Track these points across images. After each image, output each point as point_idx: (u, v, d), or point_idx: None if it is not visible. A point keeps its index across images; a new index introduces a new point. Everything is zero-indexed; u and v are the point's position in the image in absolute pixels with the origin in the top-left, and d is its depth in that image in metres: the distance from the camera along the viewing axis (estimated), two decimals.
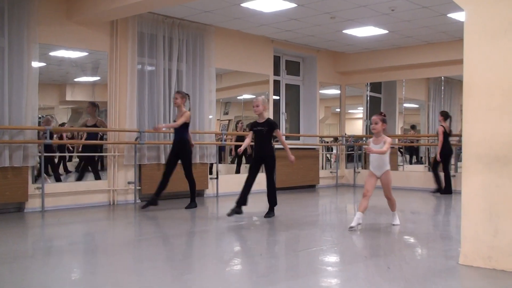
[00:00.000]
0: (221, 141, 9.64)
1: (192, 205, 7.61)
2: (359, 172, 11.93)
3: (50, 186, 7.52)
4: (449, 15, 8.77)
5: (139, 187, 8.37)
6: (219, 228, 6.12)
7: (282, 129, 11.46)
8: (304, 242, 5.08)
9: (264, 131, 6.46)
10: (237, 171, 10.51)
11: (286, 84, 11.68)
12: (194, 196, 7.65)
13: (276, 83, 11.28)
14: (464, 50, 3.92)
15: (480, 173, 3.65)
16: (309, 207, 8.38)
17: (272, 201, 6.70)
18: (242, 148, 6.47)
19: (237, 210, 6.48)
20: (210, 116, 9.38)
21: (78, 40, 7.88)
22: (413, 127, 12.18)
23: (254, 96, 11.46)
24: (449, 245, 4.99)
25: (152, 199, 7.39)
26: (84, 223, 6.47)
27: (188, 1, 7.11)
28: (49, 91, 8.32)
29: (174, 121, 7.56)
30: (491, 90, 3.68)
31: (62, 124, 8.35)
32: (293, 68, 11.92)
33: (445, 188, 9.83)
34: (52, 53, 7.96)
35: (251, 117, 11.36)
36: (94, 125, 8.04)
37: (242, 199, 6.55)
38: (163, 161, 8.49)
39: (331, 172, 12.20)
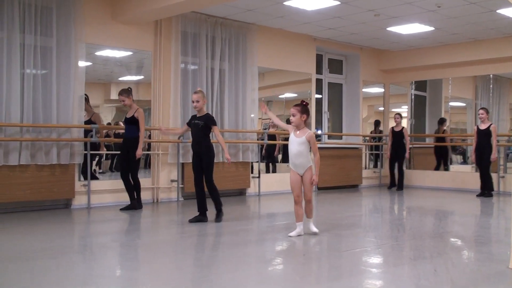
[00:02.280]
0: (262, 139, 9.63)
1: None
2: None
3: (96, 183, 7.68)
4: (498, 11, 8.50)
5: (182, 185, 8.45)
6: (261, 227, 6.10)
7: (325, 128, 11.36)
8: (347, 242, 5.01)
9: (200, 125, 6.08)
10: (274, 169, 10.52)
11: (328, 82, 11.57)
12: (139, 197, 7.22)
13: (319, 82, 11.19)
14: None
15: None
16: (352, 207, 8.27)
17: (217, 202, 6.22)
18: (164, 129, 6.89)
19: (200, 218, 6.19)
20: (252, 115, 9.38)
21: (122, 40, 8.01)
22: (441, 121, 11.81)
23: (296, 95, 11.45)
24: (498, 249, 4.82)
25: (132, 204, 7.23)
26: (128, 220, 6.57)
27: (231, 0, 7.12)
28: (94, 90, 8.51)
29: (126, 117, 7.17)
30: None
31: (109, 123, 8.51)
32: (336, 66, 11.80)
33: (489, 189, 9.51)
34: (97, 53, 8.12)
35: None
36: (89, 121, 7.80)
37: (200, 206, 6.24)
38: None
39: (374, 171, 12.02)
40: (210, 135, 6.30)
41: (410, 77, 12.22)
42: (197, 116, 6.20)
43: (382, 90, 12.50)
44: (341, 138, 11.84)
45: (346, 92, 11.93)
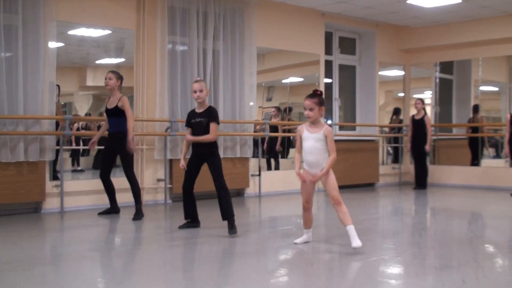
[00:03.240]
0: (263, 131, 9.63)
1: (139, 215, 6.87)
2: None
3: (70, 184, 7.68)
4: None
5: (170, 185, 8.46)
6: (262, 233, 6.12)
7: (336, 117, 11.36)
8: (362, 250, 5.02)
9: (204, 123, 5.86)
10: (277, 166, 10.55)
11: (339, 65, 11.57)
12: (140, 203, 6.98)
13: (328, 64, 11.18)
14: None
15: None
16: (367, 209, 8.29)
17: (230, 212, 5.90)
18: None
19: (193, 225, 6.17)
20: (251, 103, 9.38)
21: (100, 17, 7.99)
22: (476, 108, 11.80)
23: (303, 79, 11.44)
24: None
25: (111, 207, 7.21)
26: (108, 226, 6.58)
27: None
28: (67, 75, 8.50)
29: (108, 108, 6.95)
30: None
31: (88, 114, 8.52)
32: (348, 46, 11.79)
33: None
34: (71, 32, 8.11)
35: (298, 103, 11.33)
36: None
37: (191, 213, 6.21)
38: None
39: (393, 168, 12.03)
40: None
41: (434, 58, 12.21)
42: (197, 112, 5.93)
43: (402, 73, 12.49)
44: (354, 129, 11.84)
45: (360, 76, 11.92)
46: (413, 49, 12.18)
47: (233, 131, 9.12)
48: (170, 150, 8.44)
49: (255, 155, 9.52)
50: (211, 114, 5.89)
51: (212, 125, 5.87)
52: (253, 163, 9.55)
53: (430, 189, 10.70)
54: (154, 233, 6.18)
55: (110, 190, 7.18)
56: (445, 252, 5.03)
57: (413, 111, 11.38)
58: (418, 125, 10.70)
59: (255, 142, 9.55)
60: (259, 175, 9.47)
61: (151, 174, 8.39)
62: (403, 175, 11.99)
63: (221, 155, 8.76)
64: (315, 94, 5.03)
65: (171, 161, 8.48)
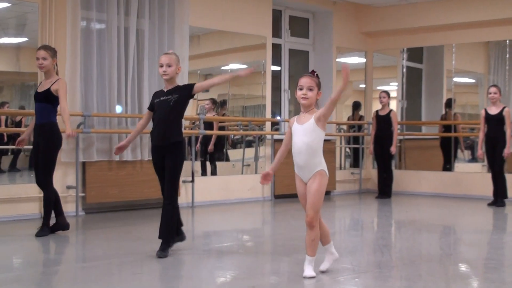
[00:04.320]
0: (198, 128, 9.62)
1: (44, 231, 6.59)
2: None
3: None
4: None
5: (83, 194, 8.36)
6: (195, 251, 6.11)
7: (285, 113, 11.44)
8: (315, 270, 5.07)
9: (171, 101, 5.58)
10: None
11: (290, 49, 11.66)
12: (49, 216, 6.67)
13: (276, 49, 11.26)
14: None
15: None
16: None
17: (170, 229, 5.74)
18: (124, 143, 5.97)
19: (180, 238, 6.01)
20: None
21: None
22: (449, 103, 12.04)
23: (245, 66, 11.47)
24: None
25: (60, 223, 6.84)
26: (5, 244, 6.45)
27: None
28: None
29: (37, 92, 6.66)
30: None
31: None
32: (300, 27, 11.89)
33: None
34: None
35: (239, 95, 11.36)
36: None
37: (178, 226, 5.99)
38: (117, 157, 8.48)
39: (352, 173, 12.20)
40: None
41: (400, 43, 12.42)
42: (166, 90, 5.68)
43: (363, 60, 12.68)
44: None
45: (314, 63, 12.04)
46: (376, 32, 12.36)
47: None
48: (83, 150, 8.33)
49: (187, 157, 9.50)
50: (181, 88, 5.67)
51: (197, 87, 5.66)
52: (184, 167, 9.51)
53: (395, 198, 10.90)
54: (62, 250, 6.09)
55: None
56: (410, 272, 5.14)
57: (376, 106, 11.57)
58: (383, 122, 10.86)
59: (187, 142, 9.53)
60: (192, 181, 9.45)
61: (59, 180, 8.23)
62: (364, 181, 12.16)
63: (145, 156, 8.77)
64: (312, 73, 4.85)
65: (84, 164, 8.38)
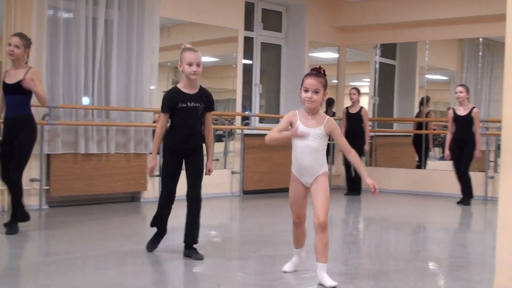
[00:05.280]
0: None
1: (13, 228, 6.45)
2: None
3: None
4: None
5: (47, 187, 8.31)
6: (163, 246, 6.11)
7: (255, 107, 11.46)
8: (280, 267, 5.11)
9: (200, 111, 5.41)
10: None
11: (262, 43, 11.67)
12: (18, 212, 6.54)
13: (248, 42, 11.26)
14: (507, 1, 3.97)
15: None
16: (288, 219, 8.41)
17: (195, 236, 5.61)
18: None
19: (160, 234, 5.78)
20: (152, 87, 9.33)
21: None
22: (424, 100, 12.14)
23: (218, 59, 11.46)
24: (480, 274, 5.08)
25: (19, 214, 6.66)
26: None
27: None
28: None
29: (8, 84, 6.47)
30: None
31: None
32: (273, 21, 11.91)
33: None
34: None
35: (212, 88, 11.34)
36: None
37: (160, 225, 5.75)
38: (82, 150, 8.44)
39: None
40: None
41: (373, 39, 12.49)
42: (188, 92, 5.36)
43: (336, 55, 12.74)
44: (278, 122, 11.97)
45: (287, 57, 12.07)
46: (349, 27, 12.42)
47: (127, 121, 9.03)
48: (48, 142, 8.28)
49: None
50: (210, 99, 5.47)
51: (210, 115, 5.51)
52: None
53: (365, 195, 10.97)
54: (24, 246, 6.06)
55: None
56: (377, 270, 5.19)
57: (348, 102, 11.61)
58: (354, 120, 10.89)
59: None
60: (159, 175, 9.41)
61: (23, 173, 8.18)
62: (334, 178, 12.23)
63: (112, 149, 8.74)
64: (319, 71, 4.62)
65: (48, 156, 8.32)
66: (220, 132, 10.85)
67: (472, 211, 9.27)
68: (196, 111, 5.36)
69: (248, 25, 11.22)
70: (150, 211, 8.54)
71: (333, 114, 12.54)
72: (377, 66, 12.63)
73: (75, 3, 8.47)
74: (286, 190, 11.29)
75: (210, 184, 9.86)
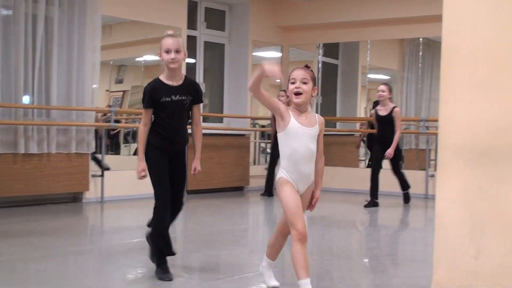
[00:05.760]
0: (109, 121, 9.53)
1: None
2: None
3: None
4: None
5: None
6: (104, 246, 6.08)
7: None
8: (226, 267, 5.14)
9: (187, 104, 4.83)
10: None
11: (205, 42, 11.67)
12: None
13: (191, 41, 11.26)
14: (443, 1, 4.07)
15: (459, 173, 3.81)
16: (233, 218, 8.46)
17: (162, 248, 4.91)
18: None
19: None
20: (95, 86, 9.26)
21: None
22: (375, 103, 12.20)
23: (160, 59, 11.40)
24: (419, 270, 5.18)
25: None
26: None
27: None
28: None
29: None
30: (476, 58, 3.84)
31: None
32: (216, 19, 11.92)
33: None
34: None
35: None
36: None
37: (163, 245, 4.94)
38: (22, 149, 8.32)
39: (266, 168, 12.31)
40: None
41: (317, 38, 12.60)
42: (172, 84, 4.78)
43: (279, 54, 12.81)
44: (221, 121, 12.00)
45: (230, 56, 12.09)
46: (292, 26, 12.50)
47: (68, 120, 8.94)
48: None
49: (97, 150, 9.42)
50: (198, 91, 4.91)
51: (198, 109, 4.99)
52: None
53: None
54: None
55: None
56: (319, 268, 5.27)
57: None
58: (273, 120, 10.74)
59: (99, 135, 9.45)
60: (102, 175, 9.36)
61: None
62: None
63: (52, 149, 8.63)
64: (307, 67, 4.21)
65: None
66: None
67: (412, 209, 9.44)
68: (181, 106, 4.79)
69: (191, 24, 11.22)
70: (92, 212, 8.51)
71: None
72: (320, 65, 12.76)
73: (14, 0, 8.35)
74: (229, 189, 11.33)
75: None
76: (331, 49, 12.88)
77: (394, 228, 8.03)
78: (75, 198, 9.19)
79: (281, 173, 4.14)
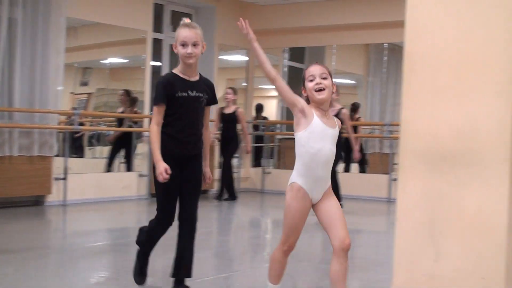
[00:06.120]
0: (72, 124, 9.45)
1: None
2: (269, 172, 12.12)
3: None
4: None
5: None
6: (67, 249, 6.03)
7: None
8: (161, 267, 5.12)
9: (204, 102, 4.35)
10: (108, 168, 10.39)
11: (171, 45, 11.61)
12: None
13: (157, 44, 11.23)
14: (406, 7, 4.12)
15: (420, 177, 3.84)
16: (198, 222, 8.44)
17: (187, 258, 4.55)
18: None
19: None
20: (59, 88, 9.18)
21: None
22: (355, 107, 12.17)
23: (128, 61, 11.37)
24: (380, 273, 5.24)
25: None
26: None
27: None
28: None
29: None
30: (438, 63, 3.88)
31: None
32: None
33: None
34: None
35: (120, 90, 11.26)
36: None
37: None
38: None
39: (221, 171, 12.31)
40: None
41: (283, 42, 12.66)
42: (189, 79, 4.31)
43: (245, 58, 12.83)
44: None
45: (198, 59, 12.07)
46: (259, 31, 12.33)
47: (30, 123, 8.85)
48: None
49: (59, 153, 9.35)
50: (213, 90, 4.47)
51: (209, 111, 4.49)
52: (57, 164, 9.34)
53: (272, 197, 11.07)
54: None
55: None
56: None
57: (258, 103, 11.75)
58: (229, 120, 10.37)
59: (63, 138, 9.38)
60: (65, 179, 9.28)
61: None
62: (242, 180, 12.27)
63: (15, 152, 8.54)
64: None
65: None
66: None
67: (376, 213, 9.51)
68: (199, 103, 4.29)
69: (158, 27, 11.19)
70: (55, 215, 8.43)
71: (263, 118, 12.67)
72: (286, 69, 12.81)
73: None
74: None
75: (116, 186, 9.79)
76: (297, 54, 12.94)
77: (356, 231, 8.06)
78: (37, 202, 9.09)
79: (294, 177, 3.76)
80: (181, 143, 4.22)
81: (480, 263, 3.94)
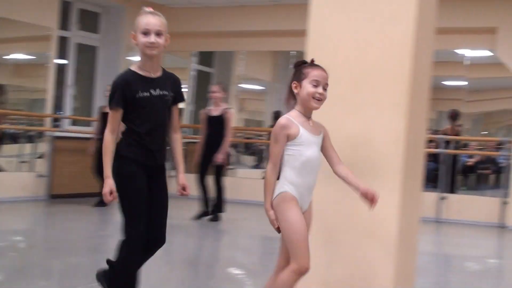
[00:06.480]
0: None
1: None
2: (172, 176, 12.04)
3: None
4: None
5: None
6: None
7: (68, 109, 11.21)
8: (85, 274, 5.05)
9: (170, 101, 3.80)
10: None
11: (77, 44, 11.46)
12: None
13: (63, 42, 11.03)
14: (309, 17, 4.21)
15: (318, 186, 3.91)
16: (96, 224, 8.37)
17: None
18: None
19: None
20: None
21: None
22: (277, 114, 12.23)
23: (33, 57, 11.09)
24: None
25: None
26: None
27: None
28: None
29: None
30: (336, 74, 3.96)
31: None
32: (90, 21, 11.72)
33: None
34: None
35: (24, 87, 10.97)
36: None
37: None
38: None
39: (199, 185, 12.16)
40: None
41: (192, 46, 12.66)
42: (150, 76, 3.77)
43: None
44: (89, 125, 11.78)
45: (103, 59, 11.91)
46: (169, 33, 12.47)
47: None
48: None
49: None
50: (178, 86, 3.92)
51: (177, 110, 3.93)
52: None
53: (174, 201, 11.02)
54: None
55: None
56: (176, 276, 5.27)
57: None
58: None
59: None
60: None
61: None
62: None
63: None
64: (312, 63, 3.62)
65: None
66: (33, 133, 10.50)
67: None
68: (164, 103, 3.77)
69: (64, 25, 10.99)
70: None
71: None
72: (194, 73, 12.81)
73: None
74: (96, 195, 11.10)
75: (13, 187, 9.53)
76: (206, 58, 12.96)
77: (259, 237, 8.13)
78: None
79: (284, 186, 3.49)
80: (148, 151, 3.70)
81: (370, 270, 4.06)
